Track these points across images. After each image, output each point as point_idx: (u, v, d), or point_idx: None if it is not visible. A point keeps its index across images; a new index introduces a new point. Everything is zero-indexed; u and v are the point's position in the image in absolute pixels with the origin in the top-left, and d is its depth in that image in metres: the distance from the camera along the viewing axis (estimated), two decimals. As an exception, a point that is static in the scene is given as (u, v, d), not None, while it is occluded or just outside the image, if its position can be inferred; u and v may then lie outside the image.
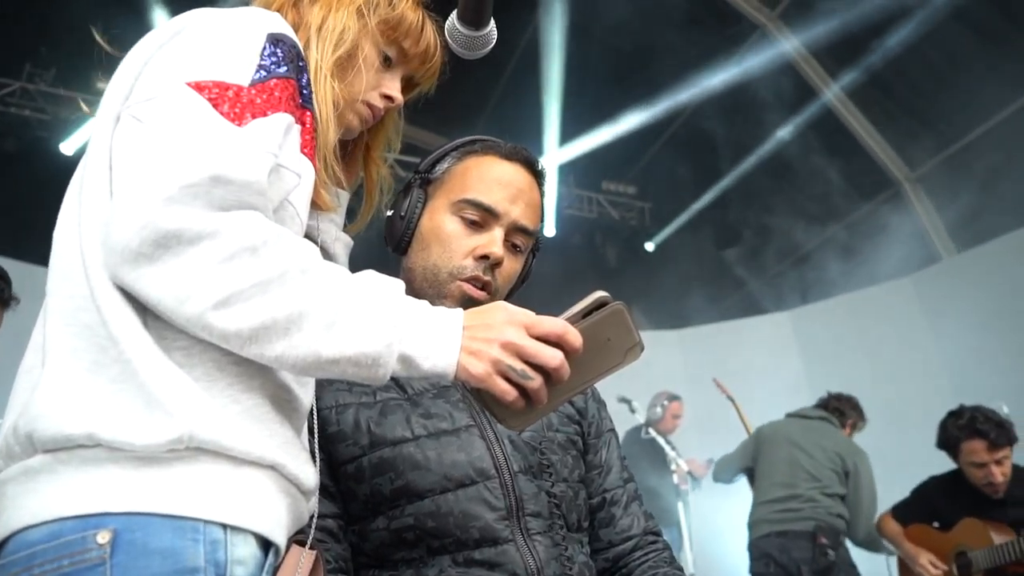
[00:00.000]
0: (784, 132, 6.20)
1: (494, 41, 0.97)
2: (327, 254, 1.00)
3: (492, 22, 0.96)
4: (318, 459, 0.88)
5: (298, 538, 0.84)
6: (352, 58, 0.97)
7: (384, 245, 1.17)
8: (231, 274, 0.70)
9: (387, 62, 1.01)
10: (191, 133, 0.74)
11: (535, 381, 0.74)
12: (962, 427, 2.81)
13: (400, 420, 1.03)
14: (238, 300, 0.70)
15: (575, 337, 0.76)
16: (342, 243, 1.04)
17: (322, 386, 1.05)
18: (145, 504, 0.71)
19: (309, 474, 0.82)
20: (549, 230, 6.82)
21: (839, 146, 6.14)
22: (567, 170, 6.87)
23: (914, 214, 6.05)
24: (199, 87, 0.77)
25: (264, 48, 0.82)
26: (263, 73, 0.81)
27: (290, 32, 0.88)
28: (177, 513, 0.71)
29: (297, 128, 0.84)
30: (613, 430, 1.23)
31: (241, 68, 0.80)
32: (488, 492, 0.99)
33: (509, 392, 0.74)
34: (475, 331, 0.76)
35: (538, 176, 1.15)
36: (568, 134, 6.43)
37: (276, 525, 0.78)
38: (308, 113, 0.87)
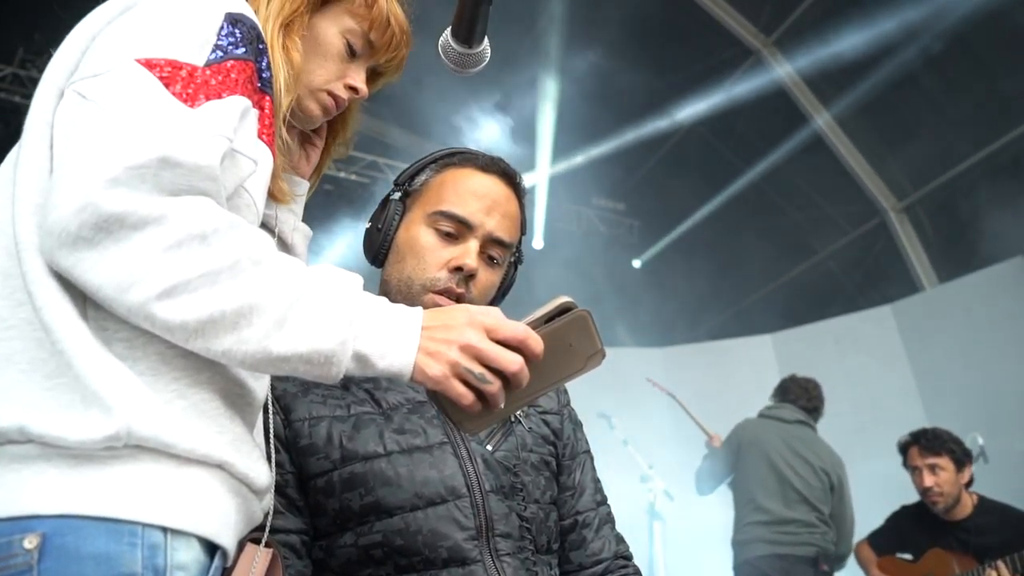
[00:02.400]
0: (774, 157, 6.26)
1: (487, 59, 0.96)
2: (284, 244, 0.96)
3: (486, 40, 0.95)
4: (273, 457, 0.85)
5: (253, 536, 0.81)
6: (316, 46, 0.94)
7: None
8: (178, 262, 0.66)
9: (352, 53, 0.97)
10: (139, 112, 0.70)
11: (493, 385, 0.72)
12: (907, 437, 3.02)
13: (373, 435, 1.01)
14: (184, 290, 0.66)
15: (536, 343, 0.74)
16: (301, 233, 1.00)
17: (296, 397, 1.04)
18: (78, 506, 0.66)
19: (261, 472, 0.79)
20: (537, 242, 6.83)
21: (827, 173, 6.21)
22: (557, 184, 6.90)
23: (899, 243, 6.12)
24: (150, 64, 0.72)
25: (222, 28, 0.78)
26: (219, 54, 0.77)
27: (250, 12, 0.83)
28: (113, 516, 0.67)
29: (254, 113, 0.80)
30: (588, 452, 1.21)
31: (196, 47, 0.76)
32: (458, 511, 0.98)
33: (466, 396, 0.72)
34: (434, 332, 0.73)
35: (516, 188, 1.14)
36: (560, 149, 6.46)
37: (223, 527, 0.74)
38: (267, 98, 0.83)
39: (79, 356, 0.68)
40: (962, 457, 2.89)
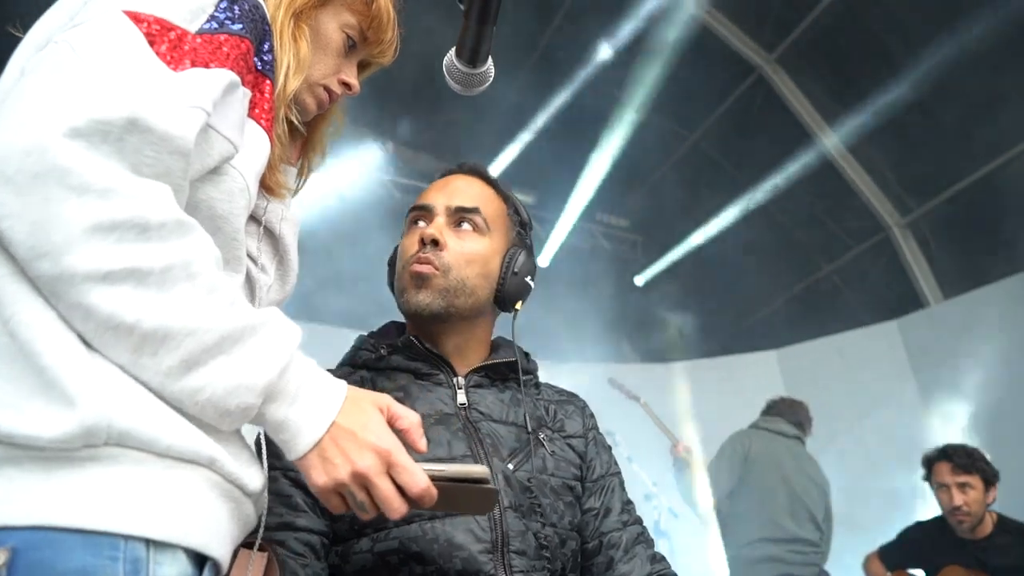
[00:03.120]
0: (777, 174, 6.27)
1: (491, 79, 0.97)
2: (272, 235, 0.92)
3: (490, 60, 0.96)
4: (265, 462, 0.83)
5: (247, 540, 0.78)
6: (316, 40, 0.93)
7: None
8: (105, 247, 0.60)
9: (350, 48, 0.97)
10: (116, 63, 0.64)
11: (366, 514, 0.73)
12: (939, 451, 2.91)
13: None
14: (103, 281, 0.60)
15: (429, 499, 0.73)
16: (289, 223, 0.96)
17: None
18: (52, 516, 0.59)
19: (253, 475, 0.74)
20: (543, 260, 6.84)
21: (831, 189, 6.22)
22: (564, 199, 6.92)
23: (903, 259, 6.11)
24: (137, 18, 0.67)
25: (221, 1, 0.75)
26: (214, 24, 0.72)
27: None
28: (91, 527, 0.60)
29: (243, 93, 0.75)
30: (617, 474, 1.21)
31: (189, 13, 0.71)
32: (476, 524, 0.99)
33: (338, 508, 0.73)
34: (340, 436, 0.70)
35: (476, 174, 1.22)
36: (567, 164, 6.48)
37: (214, 536, 0.69)
38: (268, 82, 0.80)
39: (41, 343, 0.61)
40: (991, 477, 2.84)
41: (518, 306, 1.17)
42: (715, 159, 6.68)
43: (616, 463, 1.23)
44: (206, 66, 0.70)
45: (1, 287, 0.62)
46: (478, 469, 0.78)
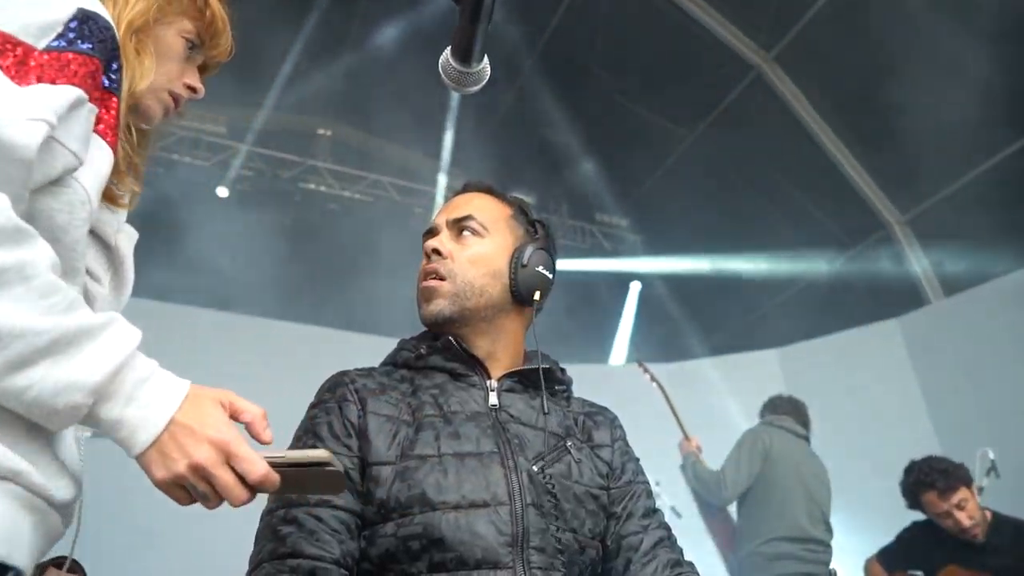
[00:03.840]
0: (776, 171, 6.27)
1: (487, 78, 0.99)
2: (107, 246, 0.93)
3: (486, 59, 0.97)
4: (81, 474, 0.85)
5: (57, 560, 0.80)
6: (156, 47, 0.95)
7: None
8: None
9: (189, 53, 1.00)
10: None
11: (210, 503, 0.75)
12: (914, 483, 2.87)
13: (429, 438, 1.07)
14: None
15: (271, 484, 0.76)
16: (125, 234, 0.98)
17: (373, 394, 1.12)
18: None
19: (61, 486, 0.75)
20: None
21: (829, 188, 6.21)
22: (561, 200, 6.93)
23: (903, 257, 6.10)
24: None
25: (71, 20, 0.77)
26: (62, 43, 0.75)
27: (108, 18, 0.83)
28: None
29: (90, 109, 0.78)
30: (644, 483, 1.24)
31: (37, 30, 0.74)
32: (498, 517, 1.02)
33: (182, 501, 0.76)
34: (178, 432, 0.72)
35: (475, 189, 1.30)
36: (562, 165, 6.49)
37: (15, 547, 0.70)
38: (114, 99, 0.83)
39: None
40: (969, 477, 2.84)
41: (536, 297, 1.21)
42: (713, 158, 6.68)
43: (644, 473, 1.25)
44: (52, 82, 0.73)
45: None
46: (318, 452, 0.80)
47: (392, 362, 1.23)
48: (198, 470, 0.72)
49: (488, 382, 1.18)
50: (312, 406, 1.15)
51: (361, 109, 6.33)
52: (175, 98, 1.00)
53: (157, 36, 0.96)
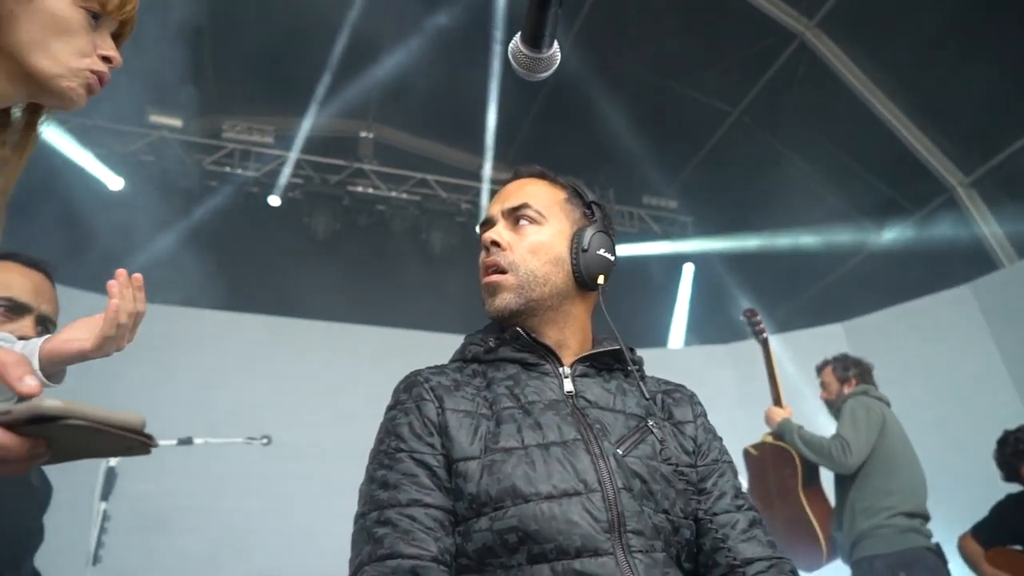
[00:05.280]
0: (828, 140, 6.06)
1: (557, 63, 0.97)
2: None
3: (556, 44, 0.96)
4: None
5: None
6: (53, 23, 0.89)
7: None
8: None
9: (93, 21, 0.93)
10: None
11: None
12: (1012, 454, 2.76)
13: (512, 431, 1.07)
14: None
15: (6, 452, 0.63)
16: None
17: (448, 391, 1.12)
18: None
19: None
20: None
21: (886, 153, 5.98)
22: (607, 185, 6.84)
23: (970, 220, 5.84)
24: None
25: None
26: None
27: None
28: None
29: None
30: (729, 462, 1.22)
31: None
32: (591, 504, 1.01)
33: None
34: None
35: (526, 174, 1.28)
36: (606, 149, 6.40)
37: None
38: None
39: None
40: None
41: (600, 280, 1.20)
42: (760, 132, 6.50)
43: (727, 451, 1.23)
44: None
45: None
46: (49, 403, 0.63)
47: (462, 358, 1.23)
48: None
49: (561, 369, 1.18)
50: (390, 408, 1.15)
51: (401, 109, 6.37)
52: (97, 74, 0.94)
53: (48, 10, 0.89)
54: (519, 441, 1.06)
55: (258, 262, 6.01)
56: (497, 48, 5.51)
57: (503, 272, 1.18)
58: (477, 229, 1.29)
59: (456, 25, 5.58)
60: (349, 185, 6.49)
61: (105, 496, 2.33)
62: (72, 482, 2.03)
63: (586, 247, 1.19)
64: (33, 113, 0.99)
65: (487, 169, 6.47)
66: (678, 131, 6.53)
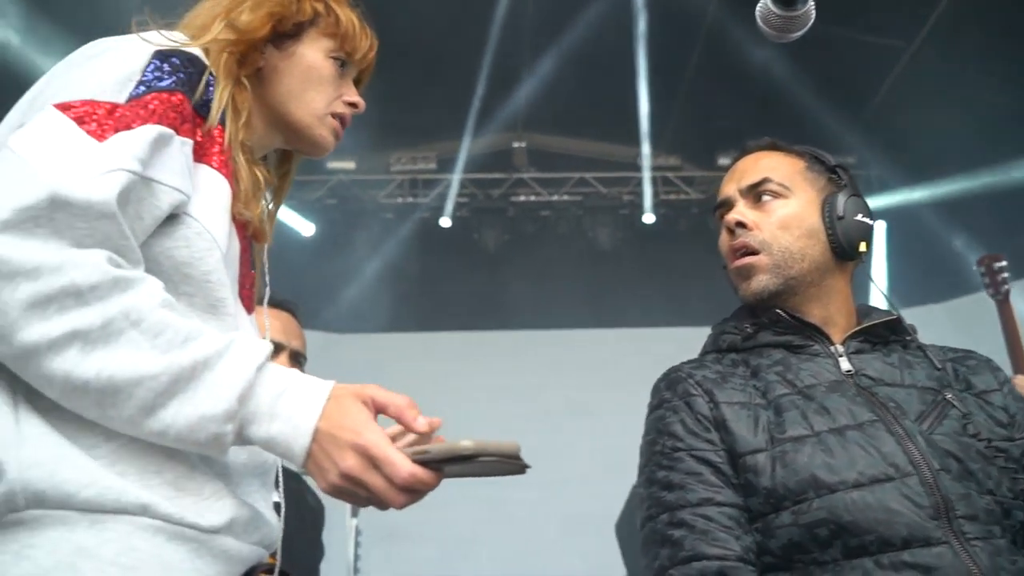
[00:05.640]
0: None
1: (812, 19, 0.91)
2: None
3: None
4: (280, 493, 0.87)
5: (266, 567, 0.79)
6: (307, 73, 0.94)
7: None
8: (44, 319, 0.64)
9: (340, 70, 0.98)
10: (42, 153, 0.68)
11: (380, 507, 0.72)
12: None
13: (796, 417, 1.02)
14: (51, 349, 0.64)
15: (421, 485, 0.71)
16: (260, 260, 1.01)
17: (716, 383, 1.10)
18: None
19: (206, 511, 0.72)
20: (648, 217, 6.43)
21: None
22: (676, 143, 6.44)
23: None
24: (66, 107, 0.72)
25: (149, 64, 0.78)
26: (142, 89, 0.76)
27: (192, 49, 0.84)
28: None
29: (180, 141, 0.78)
30: None
31: (117, 85, 0.75)
32: (908, 488, 0.94)
33: (360, 503, 0.72)
34: (323, 441, 0.70)
35: (761, 148, 1.22)
36: (773, 111, 6.05)
37: None
38: (217, 127, 0.83)
39: None
40: None
41: (862, 248, 1.13)
42: (942, 64, 5.85)
43: None
44: (128, 128, 0.72)
45: None
46: (463, 444, 0.71)
47: (716, 348, 1.19)
48: (349, 478, 0.70)
49: (832, 348, 1.11)
50: (654, 407, 1.13)
51: (547, 113, 6.43)
52: (340, 119, 0.99)
53: (303, 62, 0.95)
54: (808, 428, 1.00)
55: (439, 282, 6.33)
56: (640, 27, 5.38)
57: (754, 253, 1.13)
58: (719, 213, 1.23)
59: (594, 17, 5.55)
60: (511, 196, 6.65)
61: (355, 513, 2.55)
62: (328, 502, 2.25)
63: (841, 214, 1.13)
64: (285, 161, 1.08)
65: (645, 158, 6.35)
66: (848, 79, 6.03)
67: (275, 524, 0.85)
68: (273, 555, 0.84)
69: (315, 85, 0.96)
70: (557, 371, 5.81)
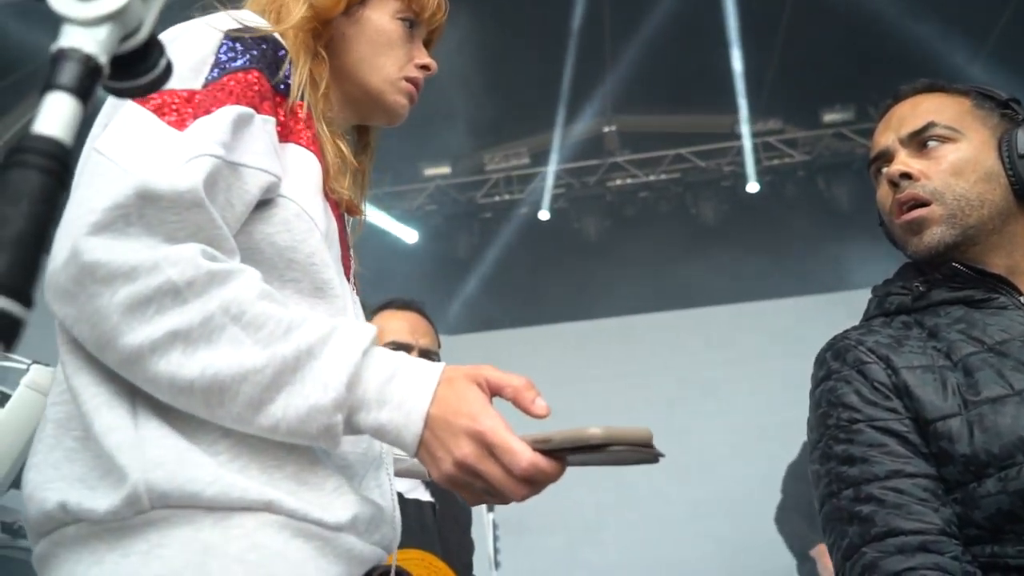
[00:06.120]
0: None
1: None
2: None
3: None
4: (390, 482, 0.83)
5: (383, 569, 0.77)
6: (377, 38, 0.90)
7: None
8: (144, 322, 0.63)
9: (410, 33, 0.94)
10: (126, 149, 0.67)
11: (497, 500, 0.66)
12: None
13: (991, 377, 0.94)
14: (154, 352, 0.63)
15: (542, 476, 0.65)
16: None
17: (892, 348, 1.02)
18: None
19: (331, 505, 0.71)
20: (752, 186, 6.07)
21: None
22: (775, 105, 6.03)
23: None
24: (145, 100, 0.70)
25: (221, 46, 0.76)
26: (217, 72, 0.74)
27: (262, 24, 0.82)
28: None
29: (262, 120, 0.76)
30: None
31: (193, 72, 0.73)
32: None
33: (474, 495, 0.67)
34: (436, 428, 0.65)
35: (923, 89, 1.14)
36: (876, 56, 5.64)
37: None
38: (300, 103, 0.81)
39: (93, 414, 0.67)
40: None
41: None
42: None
43: None
44: (208, 112, 0.70)
45: (70, 372, 0.69)
46: (590, 432, 0.64)
47: (882, 312, 1.10)
48: (464, 468, 0.65)
49: (1022, 298, 1.01)
50: (821, 379, 1.06)
51: (634, 92, 6.30)
52: (414, 83, 0.96)
53: (371, 26, 0.92)
54: (1007, 387, 0.92)
55: (544, 275, 6.36)
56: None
57: (925, 204, 1.04)
58: (876, 166, 1.14)
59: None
60: (607, 182, 6.58)
61: (491, 508, 2.62)
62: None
63: (1022, 152, 1.02)
64: (362, 137, 1.04)
65: (744, 126, 6.10)
66: (966, 12, 5.50)
67: (394, 523, 0.83)
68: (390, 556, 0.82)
69: (385, 49, 0.92)
70: (671, 354, 5.73)
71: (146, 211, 0.64)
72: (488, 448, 0.64)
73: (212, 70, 0.74)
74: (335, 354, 0.66)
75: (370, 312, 1.85)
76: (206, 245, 0.67)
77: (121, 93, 0.43)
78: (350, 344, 0.67)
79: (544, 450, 0.65)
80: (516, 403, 0.69)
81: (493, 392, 0.69)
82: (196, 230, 0.67)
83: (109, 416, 0.66)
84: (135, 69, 0.42)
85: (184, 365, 0.64)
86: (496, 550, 2.64)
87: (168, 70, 0.43)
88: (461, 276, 6.40)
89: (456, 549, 1.80)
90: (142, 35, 0.40)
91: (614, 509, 5.28)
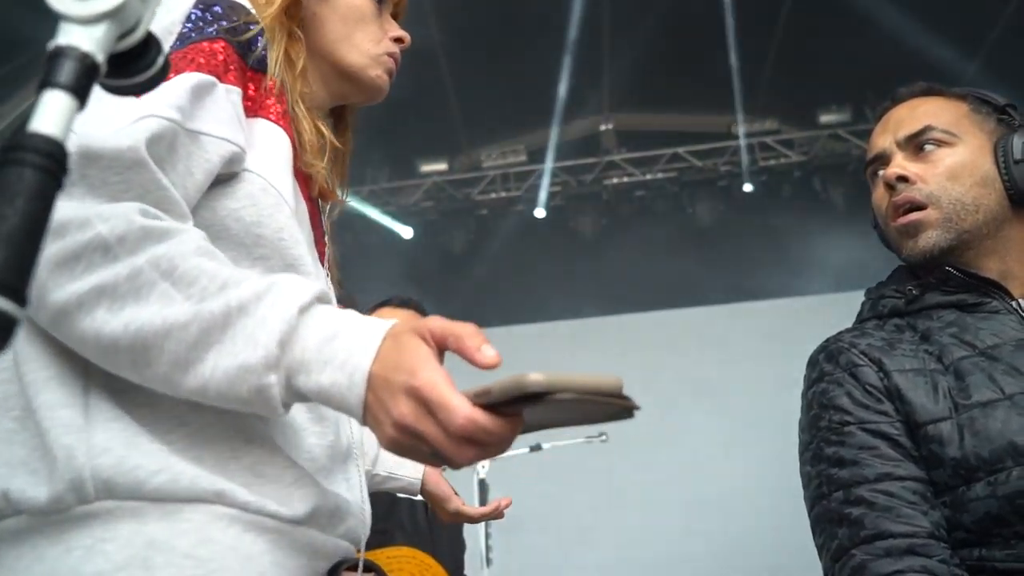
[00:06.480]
0: None
1: None
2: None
3: None
4: (361, 474, 0.80)
5: (353, 562, 0.73)
6: (348, 15, 0.90)
7: None
8: (71, 277, 0.60)
9: (379, 7, 0.93)
10: (81, 118, 0.64)
11: (451, 464, 0.58)
12: None
13: (982, 380, 0.95)
14: (80, 308, 0.60)
15: (488, 436, 0.56)
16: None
17: (884, 351, 1.03)
18: None
19: (287, 498, 0.67)
20: (748, 186, 6.13)
21: None
22: (772, 105, 6.05)
23: None
24: None
25: (189, 16, 0.74)
26: (178, 43, 0.72)
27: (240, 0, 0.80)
28: None
29: (225, 89, 0.73)
30: None
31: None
32: None
33: (424, 461, 0.62)
34: (377, 388, 0.58)
35: (918, 94, 1.14)
36: (873, 59, 5.65)
37: (246, 572, 0.64)
38: (270, 78, 0.79)
39: (37, 386, 0.63)
40: None
41: None
42: None
43: None
44: (166, 79, 0.69)
45: (22, 353, 0.65)
46: (530, 378, 0.53)
47: (876, 314, 1.11)
48: (403, 428, 0.57)
49: (1014, 303, 1.02)
50: (813, 381, 1.07)
51: (631, 91, 6.30)
52: (392, 56, 0.95)
53: (346, 4, 0.91)
54: (997, 391, 0.92)
55: (539, 273, 6.36)
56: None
57: (921, 208, 1.05)
58: (872, 169, 1.15)
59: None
60: (604, 180, 6.58)
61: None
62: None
63: (1019, 157, 1.03)
64: (341, 119, 1.02)
65: (740, 126, 6.11)
66: (963, 12, 5.50)
67: (363, 517, 0.79)
68: (359, 550, 0.79)
69: (360, 25, 0.91)
70: (668, 353, 5.73)
71: (88, 171, 0.62)
72: (426, 405, 0.56)
73: (177, 40, 0.72)
74: (269, 310, 0.60)
75: (367, 310, 1.86)
76: (151, 207, 0.64)
77: (118, 91, 0.43)
78: (286, 300, 0.61)
79: (486, 404, 0.56)
80: (460, 353, 0.59)
81: (439, 345, 0.60)
82: (142, 191, 0.64)
83: (59, 392, 0.63)
84: (132, 67, 0.41)
85: (108, 322, 0.60)
86: (488, 548, 2.66)
87: (165, 68, 0.43)
88: (457, 273, 6.40)
89: (448, 547, 1.81)
90: (139, 33, 0.40)
91: (606, 507, 5.30)
